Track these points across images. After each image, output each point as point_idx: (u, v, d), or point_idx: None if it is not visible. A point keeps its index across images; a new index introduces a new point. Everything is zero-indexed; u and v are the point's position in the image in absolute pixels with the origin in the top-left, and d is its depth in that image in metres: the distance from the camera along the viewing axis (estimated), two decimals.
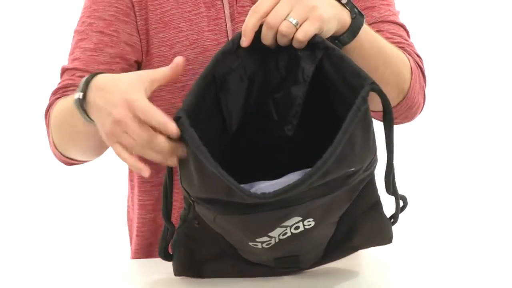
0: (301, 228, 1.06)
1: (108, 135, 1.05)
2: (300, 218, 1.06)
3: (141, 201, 1.42)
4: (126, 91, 1.03)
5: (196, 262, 1.17)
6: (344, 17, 1.13)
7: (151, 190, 1.41)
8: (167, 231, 1.15)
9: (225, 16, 1.33)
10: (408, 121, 1.36)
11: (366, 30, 1.17)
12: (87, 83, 1.10)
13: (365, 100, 1.04)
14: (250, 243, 1.09)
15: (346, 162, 1.03)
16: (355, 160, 1.04)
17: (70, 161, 1.32)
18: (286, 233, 1.06)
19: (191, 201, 1.09)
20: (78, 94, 1.10)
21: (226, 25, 1.33)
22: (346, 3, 1.14)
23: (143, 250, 1.43)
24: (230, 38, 1.32)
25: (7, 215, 2.94)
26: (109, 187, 2.83)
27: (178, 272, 1.18)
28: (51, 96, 1.31)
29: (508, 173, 3.03)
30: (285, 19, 1.07)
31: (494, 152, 3.04)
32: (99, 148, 1.26)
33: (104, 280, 1.22)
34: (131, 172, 1.46)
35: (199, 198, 1.07)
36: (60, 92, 1.30)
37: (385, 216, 1.16)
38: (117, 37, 1.32)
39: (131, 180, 1.46)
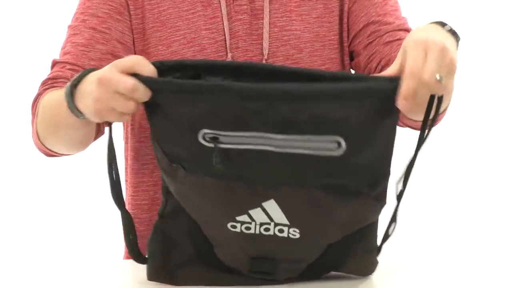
0: (285, 234, 1.07)
1: (98, 102, 1.04)
2: (288, 223, 1.06)
3: (137, 200, 1.40)
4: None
5: (169, 266, 1.14)
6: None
7: (146, 189, 1.39)
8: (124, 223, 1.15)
9: (222, 14, 1.34)
10: None
11: None
12: (83, 76, 1.11)
13: (394, 85, 0.97)
14: (229, 225, 1.07)
15: (330, 121, 0.98)
16: (341, 130, 0.98)
17: (51, 153, 1.32)
18: (269, 229, 1.07)
19: (164, 168, 1.08)
20: (71, 82, 1.12)
21: (223, 24, 1.34)
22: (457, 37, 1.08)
23: (141, 250, 1.38)
24: (227, 36, 1.33)
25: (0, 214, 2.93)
26: (103, 187, 2.79)
27: (151, 276, 1.16)
28: (40, 86, 1.31)
29: (508, 173, 2.97)
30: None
31: (494, 152, 2.99)
32: (82, 142, 1.28)
33: (97, 279, 1.21)
34: (126, 173, 1.44)
35: (172, 156, 1.06)
36: (49, 83, 1.30)
37: (376, 259, 1.16)
38: (109, 34, 1.33)
39: (126, 180, 1.44)
